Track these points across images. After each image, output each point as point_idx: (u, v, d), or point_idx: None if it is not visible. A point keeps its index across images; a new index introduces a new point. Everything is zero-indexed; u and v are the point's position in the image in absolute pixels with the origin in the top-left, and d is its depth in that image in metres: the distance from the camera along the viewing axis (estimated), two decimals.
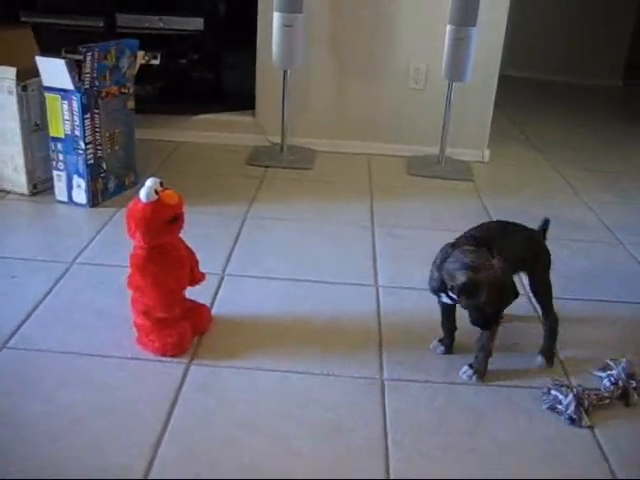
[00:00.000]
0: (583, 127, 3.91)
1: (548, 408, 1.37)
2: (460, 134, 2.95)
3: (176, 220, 1.46)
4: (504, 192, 2.67)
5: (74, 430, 1.24)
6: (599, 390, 1.41)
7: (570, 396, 1.35)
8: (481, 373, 1.47)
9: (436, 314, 1.62)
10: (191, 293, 1.58)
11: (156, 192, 1.43)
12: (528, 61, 5.17)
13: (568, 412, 1.34)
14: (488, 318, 1.40)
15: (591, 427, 1.33)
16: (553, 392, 1.38)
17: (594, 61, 5.20)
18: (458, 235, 1.50)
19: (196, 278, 1.56)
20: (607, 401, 1.39)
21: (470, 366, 1.48)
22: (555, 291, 1.56)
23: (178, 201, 1.47)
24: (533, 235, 1.59)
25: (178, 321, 1.49)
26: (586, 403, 1.36)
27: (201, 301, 1.60)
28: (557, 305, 1.57)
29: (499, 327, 1.47)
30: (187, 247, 1.53)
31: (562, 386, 1.39)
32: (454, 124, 2.85)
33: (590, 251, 2.16)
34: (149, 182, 1.44)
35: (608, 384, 1.42)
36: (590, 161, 3.17)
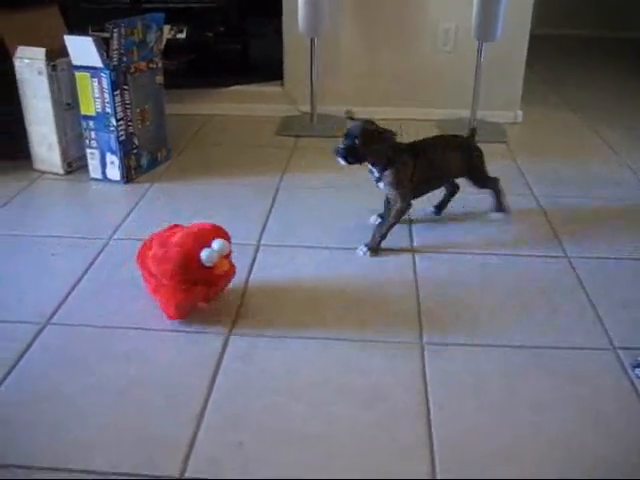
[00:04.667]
0: (618, 83, 3.82)
1: None
2: (491, 96, 2.90)
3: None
4: (538, 153, 2.63)
5: (120, 402, 1.26)
6: None
7: None
8: (374, 249, 1.82)
9: (471, 276, 1.62)
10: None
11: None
12: (559, 18, 5.05)
13: None
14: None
15: None
16: None
17: (627, 13, 5.06)
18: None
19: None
20: None
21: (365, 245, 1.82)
22: (599, 251, 1.71)
23: (223, 272, 1.49)
24: (464, 141, 1.96)
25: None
26: None
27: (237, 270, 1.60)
28: (599, 264, 1.66)
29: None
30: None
31: None
32: (485, 85, 2.80)
33: (630, 210, 2.11)
34: (217, 245, 1.45)
35: None
36: (627, 119, 3.10)
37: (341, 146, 1.74)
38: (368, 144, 1.74)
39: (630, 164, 2.49)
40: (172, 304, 1.46)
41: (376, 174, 1.83)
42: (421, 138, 1.92)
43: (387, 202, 1.90)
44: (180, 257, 1.42)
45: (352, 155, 1.74)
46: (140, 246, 1.55)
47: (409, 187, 1.83)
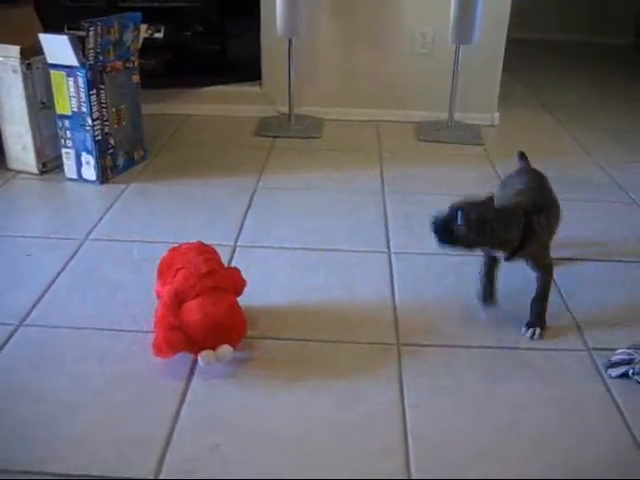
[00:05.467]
0: (594, 87, 3.86)
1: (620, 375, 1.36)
2: (469, 98, 2.92)
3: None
4: (515, 155, 2.64)
5: (95, 402, 1.25)
6: None
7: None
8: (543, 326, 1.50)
9: (448, 278, 1.63)
10: None
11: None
12: (536, 22, 5.09)
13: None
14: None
15: None
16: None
17: (604, 19, 5.12)
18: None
19: None
20: None
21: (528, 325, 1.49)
22: (571, 253, 1.63)
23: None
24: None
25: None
26: None
27: None
28: (574, 267, 1.66)
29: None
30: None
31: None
32: (462, 88, 2.82)
33: (605, 211, 2.14)
34: (225, 356, 1.34)
35: None
36: (602, 121, 3.13)
37: (436, 219, 1.41)
38: (479, 234, 1.36)
39: (603, 165, 2.52)
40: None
41: (504, 255, 1.47)
42: (516, 178, 1.74)
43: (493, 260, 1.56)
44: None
45: (449, 240, 1.40)
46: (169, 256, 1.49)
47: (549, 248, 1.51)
